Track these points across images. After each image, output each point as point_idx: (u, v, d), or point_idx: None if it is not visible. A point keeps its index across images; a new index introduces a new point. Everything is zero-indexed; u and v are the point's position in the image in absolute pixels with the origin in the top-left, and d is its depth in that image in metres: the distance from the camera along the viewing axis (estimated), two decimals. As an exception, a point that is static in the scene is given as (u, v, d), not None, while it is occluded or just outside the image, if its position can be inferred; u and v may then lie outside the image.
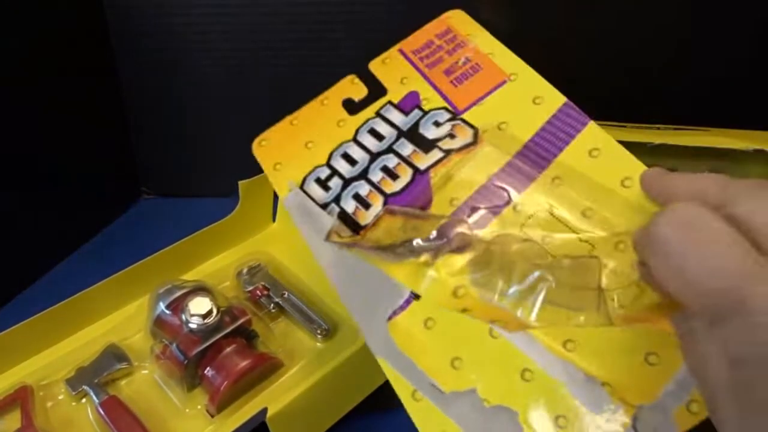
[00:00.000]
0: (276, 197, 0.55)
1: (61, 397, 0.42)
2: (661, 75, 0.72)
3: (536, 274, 0.30)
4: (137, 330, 0.46)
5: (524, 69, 0.40)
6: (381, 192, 0.37)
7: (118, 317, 0.48)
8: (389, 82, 0.42)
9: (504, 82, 0.39)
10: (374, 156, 0.38)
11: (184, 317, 0.42)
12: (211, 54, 0.72)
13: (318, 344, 0.46)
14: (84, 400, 0.42)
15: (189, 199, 0.77)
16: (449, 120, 0.38)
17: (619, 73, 0.71)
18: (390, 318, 0.34)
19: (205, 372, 0.41)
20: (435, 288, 0.33)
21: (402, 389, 0.32)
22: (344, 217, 0.36)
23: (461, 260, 0.33)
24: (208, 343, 0.41)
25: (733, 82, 0.71)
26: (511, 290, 0.30)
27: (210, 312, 0.42)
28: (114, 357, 0.44)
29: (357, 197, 0.37)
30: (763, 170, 0.55)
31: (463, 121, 0.38)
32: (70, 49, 0.67)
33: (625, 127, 0.58)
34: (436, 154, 0.37)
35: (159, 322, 0.44)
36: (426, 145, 0.38)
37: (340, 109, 0.42)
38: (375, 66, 0.43)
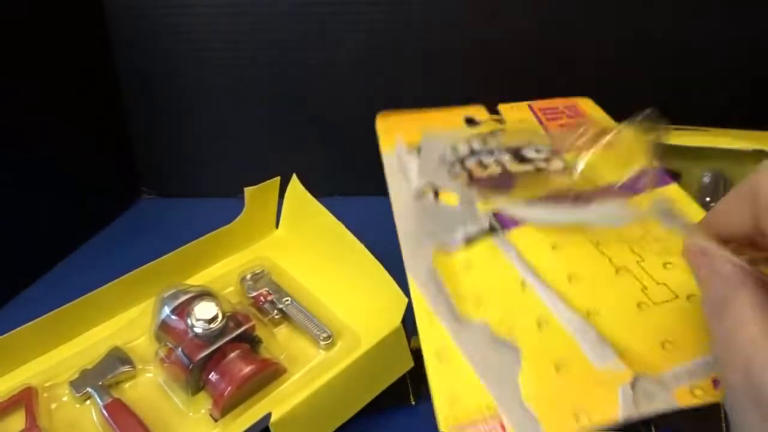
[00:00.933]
0: (280, 204, 0.56)
1: (65, 399, 0.43)
2: (662, 74, 0.72)
3: None
4: (141, 333, 0.47)
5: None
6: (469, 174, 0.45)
7: (122, 320, 0.48)
8: (510, 120, 0.51)
9: (601, 143, 0.45)
10: (475, 153, 0.47)
11: (189, 322, 0.42)
12: (211, 54, 0.72)
13: (321, 351, 0.46)
14: (88, 402, 0.42)
15: (189, 199, 0.77)
16: (548, 152, 0.47)
17: (620, 73, 0.72)
18: (438, 251, 0.39)
19: (210, 377, 0.41)
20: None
21: (420, 303, 0.37)
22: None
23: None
24: (213, 348, 0.41)
25: (737, 82, 0.71)
26: None
27: (215, 317, 0.42)
28: (118, 360, 0.44)
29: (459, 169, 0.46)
30: (763, 170, 0.55)
31: (559, 156, 0.46)
32: (70, 50, 0.67)
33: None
34: (528, 167, 0.45)
35: (164, 326, 0.44)
36: (522, 159, 0.46)
37: (460, 120, 0.52)
38: (503, 108, 0.53)
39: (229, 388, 0.40)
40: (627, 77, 0.72)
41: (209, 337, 0.42)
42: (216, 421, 0.41)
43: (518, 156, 0.46)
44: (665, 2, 0.69)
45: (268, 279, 0.51)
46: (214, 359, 0.42)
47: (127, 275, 0.48)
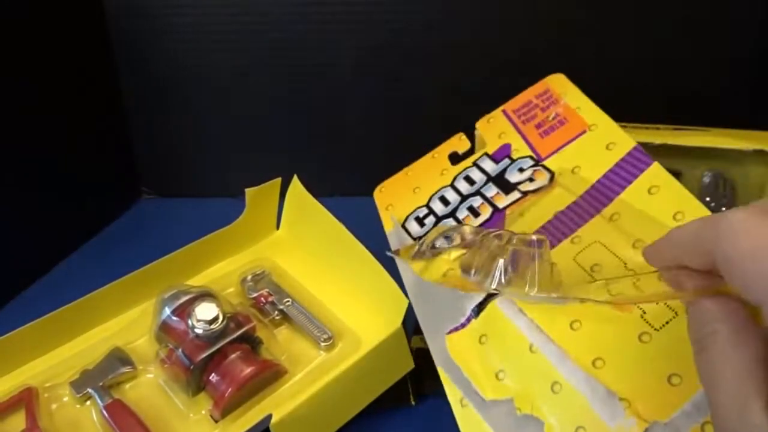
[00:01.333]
0: (281, 205, 0.56)
1: (65, 399, 0.43)
2: (663, 74, 0.72)
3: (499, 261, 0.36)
4: (141, 334, 0.47)
5: (604, 120, 0.44)
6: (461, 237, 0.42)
7: (123, 321, 0.48)
8: (489, 138, 0.49)
9: (584, 132, 0.44)
10: (464, 198, 0.46)
11: (190, 322, 0.42)
12: (211, 54, 0.72)
13: (321, 352, 0.46)
14: (88, 402, 0.42)
15: (189, 199, 0.77)
16: (532, 166, 0.44)
17: (620, 73, 0.72)
18: (450, 332, 0.38)
19: (210, 378, 0.41)
20: (433, 269, 0.42)
21: (453, 395, 0.36)
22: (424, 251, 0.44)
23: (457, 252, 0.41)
24: (214, 349, 0.41)
25: (737, 82, 0.71)
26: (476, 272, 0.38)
27: (216, 318, 0.42)
28: (118, 360, 0.44)
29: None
30: (763, 170, 0.55)
31: (543, 167, 0.43)
32: (70, 50, 0.67)
33: (625, 127, 0.58)
34: (514, 195, 0.43)
35: (164, 327, 0.44)
36: (508, 187, 0.44)
37: (445, 160, 0.50)
38: (481, 125, 0.50)
39: (230, 389, 0.40)
40: (628, 75, 0.72)
41: (210, 338, 0.42)
42: (216, 422, 0.41)
43: (502, 183, 0.45)
44: (664, 10, 0.69)
45: (269, 280, 0.51)
46: (215, 360, 0.42)
47: (127, 276, 0.48)
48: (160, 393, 0.43)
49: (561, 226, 0.40)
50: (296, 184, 0.53)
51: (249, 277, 0.51)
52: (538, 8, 0.69)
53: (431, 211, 0.46)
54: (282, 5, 0.70)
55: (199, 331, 0.42)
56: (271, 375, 0.43)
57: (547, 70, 0.71)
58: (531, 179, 0.43)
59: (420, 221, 0.46)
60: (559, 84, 0.49)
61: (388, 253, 0.45)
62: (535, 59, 0.71)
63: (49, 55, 0.64)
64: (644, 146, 0.56)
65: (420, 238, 0.44)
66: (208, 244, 0.52)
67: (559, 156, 0.43)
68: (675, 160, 0.58)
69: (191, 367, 0.41)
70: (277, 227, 0.58)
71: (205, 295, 0.44)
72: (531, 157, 0.45)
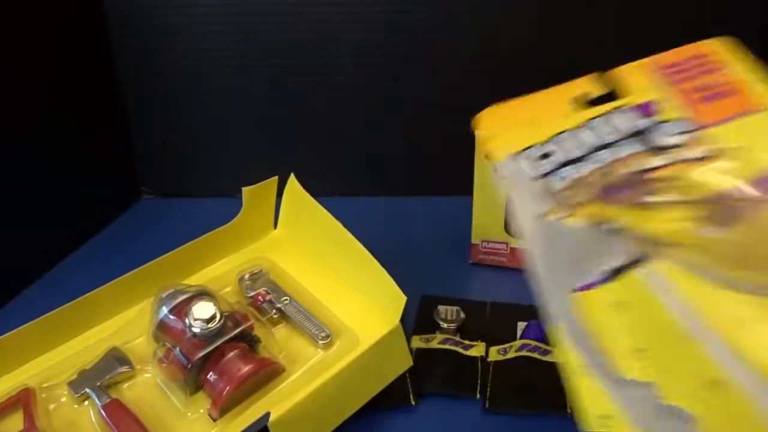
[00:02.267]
0: (278, 204, 0.56)
1: (63, 400, 0.42)
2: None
3: None
4: (139, 334, 0.46)
5: None
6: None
7: (120, 321, 0.48)
8: (630, 88, 0.43)
9: (756, 110, 0.39)
10: (593, 149, 0.40)
11: (187, 321, 0.42)
12: (210, 54, 0.72)
13: (319, 350, 0.46)
14: (86, 402, 0.42)
15: (188, 199, 0.77)
16: (686, 132, 0.39)
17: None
18: (580, 289, 0.34)
19: (208, 377, 0.41)
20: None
21: (572, 359, 0.32)
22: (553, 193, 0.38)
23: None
24: (211, 348, 0.41)
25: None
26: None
27: (213, 317, 0.42)
28: (116, 360, 0.44)
29: (566, 179, 0.39)
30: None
31: (702, 135, 0.38)
32: (70, 50, 0.67)
33: (625, 126, 0.58)
34: (662, 160, 0.38)
35: (162, 326, 0.44)
36: (657, 148, 0.39)
37: (573, 100, 0.44)
38: (620, 71, 0.45)
39: (228, 388, 0.40)
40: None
41: (207, 337, 0.42)
42: (214, 420, 0.41)
43: (649, 143, 0.39)
44: (664, 10, 0.69)
45: (267, 278, 0.51)
46: (213, 359, 0.41)
47: (125, 276, 0.47)
48: (158, 392, 0.43)
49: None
50: (293, 183, 0.53)
51: (246, 276, 0.51)
52: (538, 8, 0.69)
53: (551, 153, 0.41)
54: (282, 5, 0.70)
55: (196, 330, 0.42)
56: (268, 373, 0.42)
57: (547, 70, 0.71)
58: (684, 145, 0.38)
59: (537, 160, 0.41)
60: (719, 51, 0.43)
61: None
62: (535, 59, 0.71)
63: (48, 55, 0.64)
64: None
65: (537, 179, 0.39)
66: (205, 243, 0.52)
67: (723, 128, 0.38)
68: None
69: (189, 366, 0.41)
70: (275, 226, 0.57)
71: (203, 294, 0.44)
72: (685, 122, 0.39)
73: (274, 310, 0.48)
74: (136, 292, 0.49)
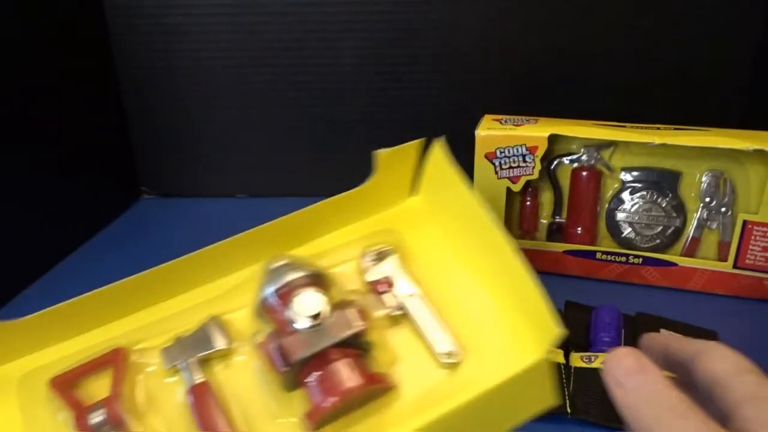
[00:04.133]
0: (419, 169, 0.47)
1: (152, 369, 0.39)
2: (663, 74, 0.72)
3: None
4: (242, 304, 0.41)
5: None
6: None
7: (223, 286, 0.42)
8: None
9: None
10: None
11: (290, 312, 0.36)
12: (210, 54, 0.72)
13: (440, 369, 0.37)
14: (176, 378, 0.38)
15: (188, 199, 0.78)
16: None
17: (620, 73, 0.72)
18: None
19: (308, 380, 0.36)
20: None
21: None
22: None
23: None
24: (314, 351, 0.35)
25: (737, 82, 0.71)
26: None
27: (321, 313, 0.36)
28: (215, 333, 0.39)
29: None
30: (763, 170, 0.55)
31: None
32: (70, 50, 0.67)
33: (624, 127, 0.58)
34: None
35: (265, 306, 0.38)
36: None
37: None
38: None
39: (329, 402, 0.34)
40: (627, 76, 0.72)
41: (311, 336, 0.36)
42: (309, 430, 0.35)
43: None
44: (664, 10, 0.69)
45: (393, 261, 0.42)
46: (316, 360, 0.36)
47: (234, 237, 0.42)
48: (251, 381, 0.38)
49: None
50: (439, 148, 0.44)
51: (370, 255, 0.43)
52: (538, 9, 0.69)
53: None
54: (282, 5, 0.70)
55: (299, 325, 0.36)
56: (377, 391, 0.36)
57: (547, 70, 0.72)
58: None
59: None
60: None
61: None
62: (535, 59, 0.71)
63: (48, 56, 0.64)
64: (644, 146, 0.57)
65: None
66: (328, 207, 0.45)
67: None
68: (675, 160, 0.58)
69: (285, 368, 0.35)
70: (411, 194, 0.48)
71: (314, 277, 0.38)
72: None
73: (394, 306, 0.40)
74: (244, 256, 0.43)
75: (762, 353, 0.32)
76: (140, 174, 0.80)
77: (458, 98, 0.72)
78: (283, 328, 0.36)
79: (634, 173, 0.60)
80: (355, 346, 0.37)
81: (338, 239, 0.45)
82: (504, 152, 0.58)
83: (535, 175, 0.59)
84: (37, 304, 0.46)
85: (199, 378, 0.37)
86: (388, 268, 0.42)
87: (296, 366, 0.35)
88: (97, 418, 0.35)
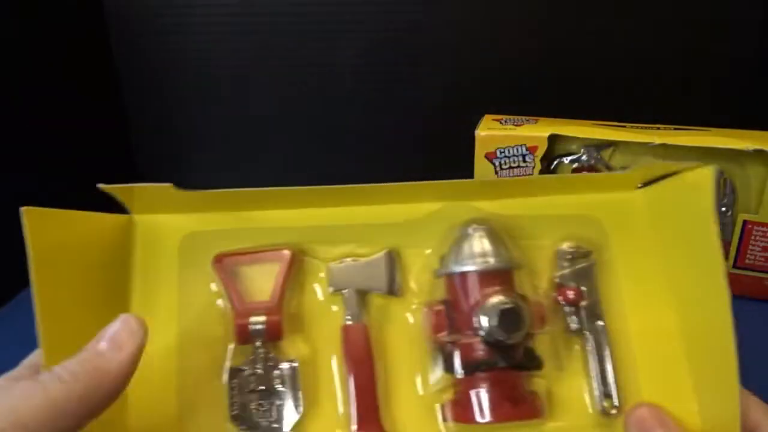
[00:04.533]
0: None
1: (315, 285, 0.37)
2: (664, 74, 0.72)
3: None
4: (418, 243, 0.38)
5: None
6: None
7: (408, 212, 0.38)
8: None
9: None
10: None
11: (479, 315, 0.33)
12: (211, 54, 0.72)
13: (594, 414, 0.35)
14: (335, 307, 0.37)
15: (189, 198, 0.77)
16: None
17: (620, 73, 0.72)
18: None
19: (467, 386, 0.35)
20: None
21: None
22: None
23: None
24: (490, 366, 0.33)
25: (737, 82, 0.71)
26: None
27: (518, 329, 0.33)
28: (385, 271, 0.37)
29: None
30: (763, 170, 0.55)
31: None
32: (70, 49, 0.67)
33: (624, 127, 0.58)
34: None
35: (449, 282, 0.35)
36: None
37: None
38: None
39: (477, 420, 0.33)
40: (627, 75, 0.73)
41: (494, 349, 0.33)
42: (445, 421, 0.35)
43: None
44: (664, 10, 0.69)
45: (590, 270, 0.37)
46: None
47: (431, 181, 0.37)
48: (407, 343, 0.36)
49: None
50: (709, 174, 0.35)
51: (567, 251, 0.37)
52: (537, 9, 0.69)
53: None
54: (282, 5, 0.70)
55: (485, 334, 0.33)
56: (526, 416, 0.34)
57: (547, 70, 0.72)
58: None
59: None
60: None
61: None
62: (535, 59, 0.71)
63: (48, 54, 0.64)
64: (644, 146, 0.57)
65: None
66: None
67: None
68: (675, 160, 0.58)
69: (461, 375, 0.34)
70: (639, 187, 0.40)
71: (508, 273, 0.35)
72: None
73: (575, 324, 0.35)
74: (435, 191, 0.38)
75: (762, 353, 0.32)
76: (140, 174, 0.79)
77: (458, 98, 0.72)
78: (464, 325, 0.34)
79: (634, 173, 0.60)
80: (527, 358, 0.34)
81: (539, 209, 0.38)
82: (504, 152, 0.58)
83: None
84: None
85: (357, 317, 0.36)
86: (582, 275, 0.37)
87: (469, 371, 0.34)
88: (257, 325, 0.34)
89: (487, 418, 0.33)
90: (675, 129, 0.57)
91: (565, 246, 0.37)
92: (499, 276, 0.34)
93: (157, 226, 0.37)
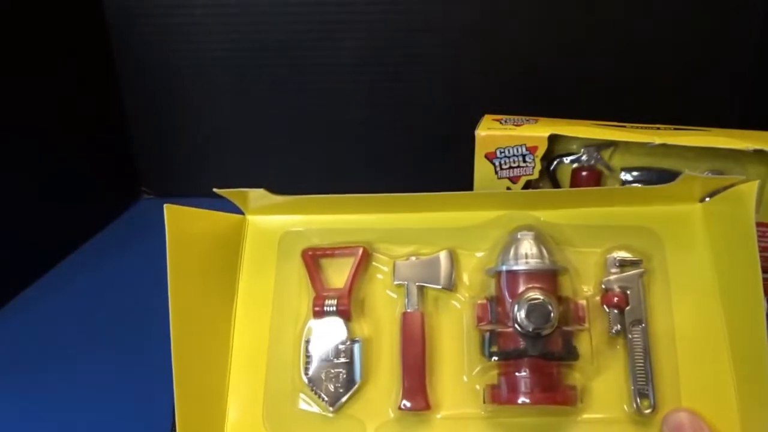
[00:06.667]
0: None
1: (379, 276, 0.42)
2: (663, 74, 0.72)
3: None
4: (477, 246, 0.42)
5: None
6: None
7: (468, 219, 0.43)
8: None
9: None
10: None
11: (516, 309, 0.37)
12: (211, 54, 0.72)
13: (630, 412, 0.37)
14: (397, 297, 0.42)
15: (188, 198, 0.77)
16: None
17: (620, 73, 0.72)
18: None
19: (510, 370, 0.38)
20: None
21: None
22: None
23: None
24: (524, 354, 0.37)
25: (737, 82, 0.71)
26: None
27: (548, 322, 0.36)
28: (443, 268, 0.42)
29: None
30: (763, 170, 0.55)
31: None
32: (70, 50, 0.67)
33: (624, 127, 0.58)
34: None
35: (497, 277, 0.40)
36: None
37: None
38: None
39: (513, 402, 0.37)
40: (627, 75, 0.73)
41: (527, 339, 0.37)
42: (485, 403, 0.38)
43: None
44: (664, 11, 0.69)
45: (637, 279, 0.39)
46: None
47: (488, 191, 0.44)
48: (458, 330, 0.40)
49: None
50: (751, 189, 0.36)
51: (618, 259, 0.39)
52: (538, 8, 0.70)
53: None
54: (282, 5, 0.70)
55: (520, 327, 0.37)
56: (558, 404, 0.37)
57: (547, 70, 0.72)
58: None
59: None
60: None
61: None
62: (535, 59, 0.71)
63: (48, 56, 0.64)
64: (644, 146, 0.56)
65: None
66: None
67: None
68: (675, 160, 0.58)
69: (489, 359, 0.38)
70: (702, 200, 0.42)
71: (555, 272, 0.39)
72: None
73: (617, 328, 0.37)
74: (496, 201, 0.43)
75: (762, 354, 0.32)
76: (140, 174, 0.79)
77: (458, 98, 0.72)
78: (505, 316, 0.38)
79: (634, 173, 0.60)
80: (565, 349, 0.37)
81: (596, 218, 0.41)
82: (504, 152, 0.58)
83: (535, 175, 0.59)
84: (37, 304, 0.46)
85: (415, 306, 0.40)
86: (629, 282, 0.39)
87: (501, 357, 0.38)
88: (330, 307, 0.41)
89: (521, 400, 0.36)
90: (675, 129, 0.57)
91: (615, 254, 0.40)
92: (539, 276, 0.38)
93: (264, 225, 0.45)
